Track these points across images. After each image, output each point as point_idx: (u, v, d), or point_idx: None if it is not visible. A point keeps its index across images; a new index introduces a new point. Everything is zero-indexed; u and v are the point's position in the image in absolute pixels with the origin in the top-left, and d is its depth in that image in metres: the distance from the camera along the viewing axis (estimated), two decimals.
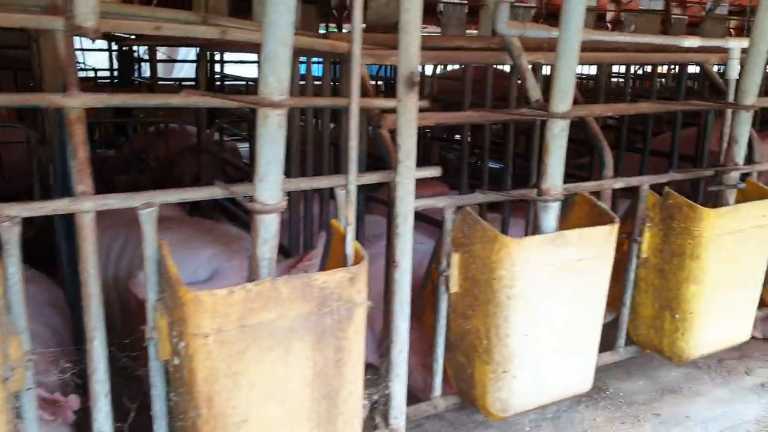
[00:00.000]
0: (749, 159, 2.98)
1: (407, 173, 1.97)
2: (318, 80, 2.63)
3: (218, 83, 7.33)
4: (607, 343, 2.81)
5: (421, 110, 2.25)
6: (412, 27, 1.85)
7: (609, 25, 5.52)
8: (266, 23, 1.58)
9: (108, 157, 6.01)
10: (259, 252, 1.77)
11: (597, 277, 2.25)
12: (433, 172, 2.11)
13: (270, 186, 1.71)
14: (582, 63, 2.87)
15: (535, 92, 2.38)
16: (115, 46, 7.74)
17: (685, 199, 2.51)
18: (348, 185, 1.81)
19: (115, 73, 7.99)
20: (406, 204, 2.00)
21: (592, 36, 2.23)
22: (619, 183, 2.54)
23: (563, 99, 2.04)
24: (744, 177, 2.79)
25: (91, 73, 8.34)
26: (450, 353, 2.36)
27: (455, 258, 2.19)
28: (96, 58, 8.48)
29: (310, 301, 1.75)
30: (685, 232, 2.52)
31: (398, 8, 5.08)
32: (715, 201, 2.67)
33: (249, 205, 1.74)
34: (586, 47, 2.81)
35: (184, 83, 8.91)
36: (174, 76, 10.15)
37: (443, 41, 2.56)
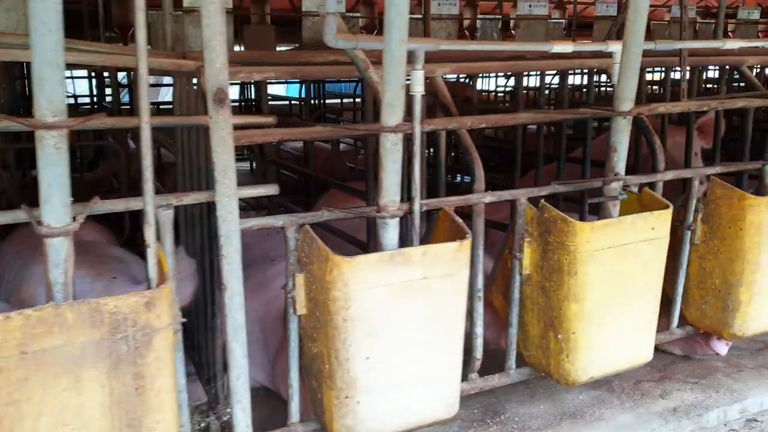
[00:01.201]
0: (653, 168, 2.86)
1: (226, 192, 1.90)
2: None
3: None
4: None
5: (266, 126, 2.20)
6: (215, 43, 1.79)
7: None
8: (31, 45, 1.54)
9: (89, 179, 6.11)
10: (51, 276, 1.71)
11: (448, 297, 2.14)
12: (264, 190, 2.04)
13: (55, 209, 1.66)
14: (460, 72, 2.78)
15: None
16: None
17: (560, 213, 2.40)
18: (145, 206, 1.75)
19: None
20: (229, 224, 1.92)
21: (423, 46, 2.14)
22: (489, 197, 2.44)
23: (392, 112, 1.96)
24: (644, 186, 2.68)
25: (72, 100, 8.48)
26: (306, 377, 2.26)
27: (300, 279, 2.10)
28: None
29: (100, 327, 1.68)
30: (561, 248, 2.40)
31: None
32: (599, 214, 2.55)
33: (37, 229, 1.69)
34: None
35: (162, 107, 9.00)
36: (160, 99, 10.25)
37: (300, 57, 2.50)
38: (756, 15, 6.26)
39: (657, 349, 3.32)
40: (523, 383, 2.92)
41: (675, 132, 3.99)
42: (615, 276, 2.45)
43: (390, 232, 2.06)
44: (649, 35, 5.29)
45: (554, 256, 2.43)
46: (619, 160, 2.42)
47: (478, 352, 2.59)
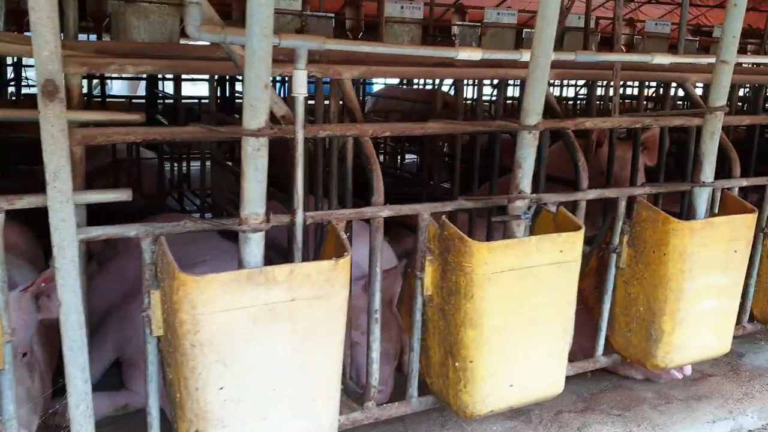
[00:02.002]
0: (576, 186, 2.68)
1: (58, 197, 1.69)
2: None
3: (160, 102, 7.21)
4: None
5: (131, 124, 1.99)
6: (43, 28, 1.58)
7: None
8: None
9: None
10: None
11: (320, 322, 1.93)
12: (114, 195, 1.83)
13: None
14: (370, 76, 2.58)
15: (279, 108, 2.10)
16: None
17: (458, 231, 2.20)
18: None
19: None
20: (62, 233, 1.71)
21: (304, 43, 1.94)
22: (387, 211, 2.24)
23: (254, 114, 1.75)
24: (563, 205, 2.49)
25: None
26: (169, 405, 2.05)
27: (155, 296, 1.89)
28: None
29: None
30: (458, 268, 2.20)
31: (287, 23, 4.80)
32: (504, 233, 2.36)
33: None
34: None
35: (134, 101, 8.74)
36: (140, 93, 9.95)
37: (194, 50, 2.28)
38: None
39: (611, 372, 3.19)
40: (437, 410, 2.72)
41: (620, 147, 3.82)
42: (517, 301, 2.26)
43: (252, 248, 1.85)
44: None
45: (452, 277, 2.23)
46: (524, 177, 2.23)
47: (375, 379, 2.38)
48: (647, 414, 2.89)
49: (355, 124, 2.28)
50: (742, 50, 4.31)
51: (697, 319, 2.70)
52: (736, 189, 3.05)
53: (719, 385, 3.17)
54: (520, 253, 2.23)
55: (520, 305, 2.27)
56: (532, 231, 2.53)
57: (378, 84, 10.72)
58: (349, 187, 2.47)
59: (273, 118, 2.04)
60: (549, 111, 2.80)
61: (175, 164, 6.11)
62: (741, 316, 3.32)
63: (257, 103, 1.75)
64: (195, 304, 1.76)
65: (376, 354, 2.36)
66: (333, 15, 5.19)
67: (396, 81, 10.08)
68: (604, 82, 3.71)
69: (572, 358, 2.96)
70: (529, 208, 2.34)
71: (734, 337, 3.54)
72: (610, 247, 2.75)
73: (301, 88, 1.97)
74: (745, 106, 5.39)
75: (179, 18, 3.56)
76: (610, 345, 2.91)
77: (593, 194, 2.64)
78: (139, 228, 1.89)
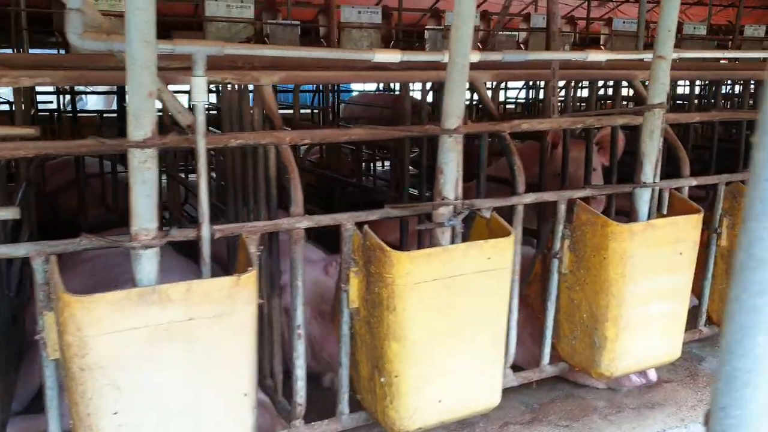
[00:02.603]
0: (513, 190, 2.59)
1: None
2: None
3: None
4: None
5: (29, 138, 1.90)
6: None
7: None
8: None
9: None
10: None
11: (222, 342, 1.84)
12: (2, 213, 1.74)
13: None
14: (290, 82, 2.50)
15: (183, 118, 2.01)
16: None
17: (378, 241, 2.11)
18: None
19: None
20: None
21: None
22: (306, 222, 2.15)
23: (138, 125, 1.66)
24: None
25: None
26: None
27: (49, 318, 1.80)
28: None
29: None
30: (380, 279, 2.11)
31: (239, 31, 4.71)
32: (430, 241, 2.27)
33: None
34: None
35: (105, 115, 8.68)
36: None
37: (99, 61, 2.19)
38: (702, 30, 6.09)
39: (565, 380, 3.09)
40: (370, 427, 2.62)
41: (576, 148, 3.73)
42: (444, 311, 2.16)
43: (144, 265, 1.75)
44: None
45: (375, 289, 2.14)
46: (446, 183, 2.14)
47: (300, 397, 2.29)
48: (596, 424, 2.80)
49: (271, 132, 2.19)
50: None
51: (643, 325, 2.61)
52: (686, 189, 2.97)
53: (674, 392, 3.07)
54: (444, 262, 2.14)
55: (446, 316, 2.18)
56: (468, 237, 2.45)
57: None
58: (273, 198, 2.38)
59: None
60: (487, 113, 2.72)
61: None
62: (697, 319, 3.23)
63: (141, 114, 1.66)
64: (81, 325, 1.66)
65: (301, 371, 2.26)
66: (299, 23, 5.12)
67: (373, 87, 10.05)
68: (573, 83, 3.64)
69: (527, 366, 2.88)
70: (457, 214, 2.25)
71: (692, 342, 3.47)
72: (552, 252, 2.66)
73: (200, 96, 1.88)
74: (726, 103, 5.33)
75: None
76: (557, 353, 2.82)
77: (530, 198, 2.55)
78: (30, 247, 1.79)
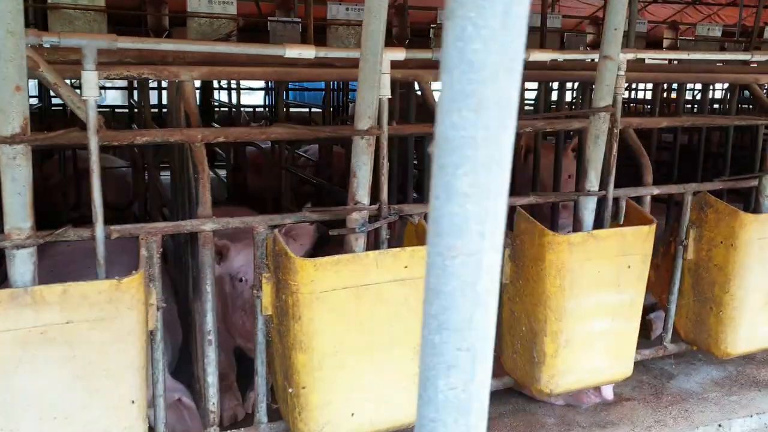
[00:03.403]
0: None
1: None
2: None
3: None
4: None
5: None
6: None
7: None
8: None
9: None
10: None
11: (105, 346, 1.77)
12: None
13: None
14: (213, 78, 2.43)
15: (82, 113, 1.95)
16: None
17: (284, 246, 2.02)
18: None
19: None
20: None
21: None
22: (210, 225, 2.07)
23: (6, 120, 1.61)
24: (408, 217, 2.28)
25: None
26: None
27: None
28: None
29: None
30: (286, 287, 2.02)
31: (220, 27, 4.65)
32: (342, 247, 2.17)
33: None
34: None
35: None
36: None
37: None
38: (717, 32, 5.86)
39: (520, 393, 2.95)
40: None
41: (548, 152, 3.59)
42: (355, 322, 2.06)
43: (18, 266, 1.70)
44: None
45: (283, 296, 2.06)
46: (360, 187, 2.04)
47: (212, 404, 2.21)
48: None
49: (180, 129, 2.12)
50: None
51: (587, 341, 2.47)
52: (648, 198, 2.81)
53: (632, 411, 2.91)
54: (355, 270, 2.03)
55: (358, 327, 2.07)
56: (401, 244, 2.35)
57: None
58: (194, 197, 2.31)
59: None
60: (431, 115, 2.60)
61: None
62: (663, 335, 3.06)
63: (8, 108, 1.60)
64: None
65: (212, 378, 2.19)
66: (300, 20, 5.07)
67: None
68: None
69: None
70: (374, 219, 2.15)
71: (665, 357, 3.30)
72: None
73: (91, 91, 1.82)
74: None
75: (105, 23, 3.48)
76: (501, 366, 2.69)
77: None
78: None
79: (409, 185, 2.75)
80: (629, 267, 2.45)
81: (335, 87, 9.15)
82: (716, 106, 6.41)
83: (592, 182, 2.40)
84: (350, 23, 5.16)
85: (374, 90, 1.98)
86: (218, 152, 7.64)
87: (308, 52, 2.07)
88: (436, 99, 2.67)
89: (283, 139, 2.22)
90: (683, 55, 2.97)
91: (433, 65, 2.70)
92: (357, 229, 2.05)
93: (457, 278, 0.60)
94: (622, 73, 2.55)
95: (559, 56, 2.45)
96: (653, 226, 2.48)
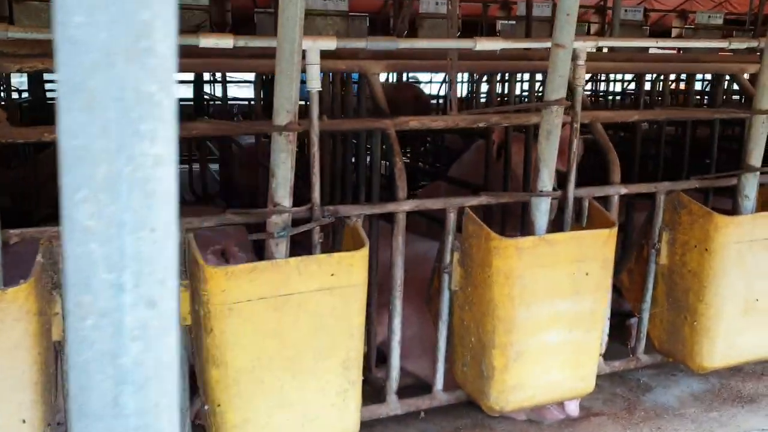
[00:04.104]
0: (393, 196, 2.30)
1: None
2: None
3: None
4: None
5: None
6: None
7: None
8: None
9: None
10: None
11: None
12: None
13: None
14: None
15: None
16: None
17: (195, 253, 1.87)
18: None
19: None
20: None
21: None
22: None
23: None
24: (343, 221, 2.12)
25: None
26: None
27: None
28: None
29: None
30: (199, 297, 1.87)
31: (191, 18, 4.52)
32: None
33: None
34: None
35: None
36: None
37: None
38: (719, 20, 5.62)
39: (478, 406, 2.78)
40: None
41: (521, 148, 3.39)
42: (275, 335, 1.90)
43: None
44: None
45: (196, 307, 1.90)
46: (279, 187, 1.87)
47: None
48: None
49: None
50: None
51: (541, 354, 2.28)
52: (616, 198, 2.61)
53: (599, 428, 2.72)
54: (273, 278, 1.87)
55: (279, 340, 1.91)
56: (339, 249, 2.18)
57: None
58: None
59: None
60: (378, 109, 2.44)
61: None
62: (636, 345, 2.86)
63: None
64: None
65: None
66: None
67: None
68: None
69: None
70: (295, 224, 1.99)
71: (637, 369, 3.09)
72: (441, 266, 2.36)
73: None
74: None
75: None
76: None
77: (408, 206, 2.26)
78: None
79: (361, 185, 2.58)
80: (587, 274, 2.26)
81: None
82: (726, 97, 6.16)
83: (545, 182, 2.22)
84: (327, 13, 5.00)
85: (293, 82, 1.81)
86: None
87: (225, 41, 1.91)
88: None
89: (206, 134, 2.07)
90: (650, 43, 2.76)
91: (384, 55, 2.54)
92: (276, 234, 1.89)
93: (91, 346, 0.44)
94: (581, 63, 2.37)
95: (509, 45, 2.26)
96: (614, 230, 2.29)
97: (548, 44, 2.13)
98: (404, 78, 10.18)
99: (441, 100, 8.26)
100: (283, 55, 1.79)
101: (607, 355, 2.82)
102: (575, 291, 2.27)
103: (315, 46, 2.01)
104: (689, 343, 2.65)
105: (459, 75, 2.93)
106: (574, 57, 2.37)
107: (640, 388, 3.07)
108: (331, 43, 2.03)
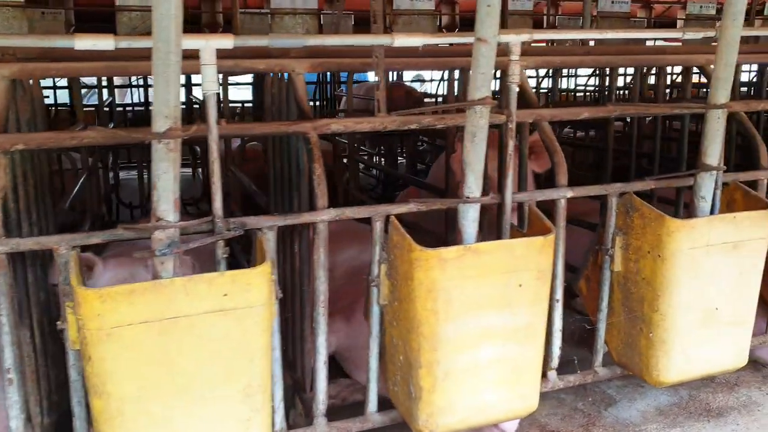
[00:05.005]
0: (311, 205, 2.14)
1: None
2: None
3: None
4: None
5: None
6: None
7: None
8: None
9: None
10: None
11: None
12: None
13: None
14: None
15: None
16: None
17: (77, 271, 1.71)
18: None
19: None
20: None
21: None
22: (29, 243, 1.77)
23: None
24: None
25: None
26: None
27: None
28: None
29: None
30: (77, 320, 1.72)
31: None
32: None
33: None
34: None
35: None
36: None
37: None
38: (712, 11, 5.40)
39: None
40: None
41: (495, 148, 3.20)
42: (163, 362, 1.74)
43: None
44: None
45: (79, 332, 1.75)
46: (161, 201, 1.70)
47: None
48: None
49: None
50: None
51: (473, 373, 2.10)
52: (562, 202, 2.42)
53: None
54: (156, 300, 1.71)
55: (167, 367, 1.75)
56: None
57: None
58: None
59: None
60: (301, 111, 2.27)
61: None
62: (594, 358, 2.67)
63: None
64: None
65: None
66: (268, 11, 4.81)
67: None
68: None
69: None
70: (198, 236, 1.82)
71: (592, 384, 2.90)
72: (369, 278, 2.19)
73: None
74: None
75: (26, 20, 3.26)
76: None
77: (327, 215, 2.08)
78: None
79: (293, 192, 2.41)
80: (521, 285, 2.08)
81: (325, 79, 8.88)
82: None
83: (471, 188, 2.03)
84: (296, 12, 4.85)
85: (170, 85, 1.64)
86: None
87: (105, 43, 1.75)
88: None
89: (97, 143, 1.91)
90: (591, 35, 2.56)
91: (309, 53, 2.37)
92: (158, 252, 1.72)
93: None
94: (515, 58, 2.18)
95: (429, 41, 2.08)
96: (549, 237, 2.10)
97: (472, 39, 1.95)
98: (403, 78, 10.06)
99: (439, 100, 8.13)
100: (159, 56, 1.62)
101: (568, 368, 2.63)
102: (508, 304, 2.09)
103: (209, 45, 1.84)
104: (645, 356, 2.45)
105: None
106: (508, 52, 2.19)
107: (603, 401, 2.89)
108: (227, 42, 1.86)
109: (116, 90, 9.15)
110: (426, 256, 1.96)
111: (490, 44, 1.93)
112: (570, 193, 2.40)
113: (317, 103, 8.82)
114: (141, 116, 7.66)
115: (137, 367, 1.72)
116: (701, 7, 5.56)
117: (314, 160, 2.11)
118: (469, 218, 2.07)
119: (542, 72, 7.28)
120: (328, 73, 8.66)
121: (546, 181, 2.83)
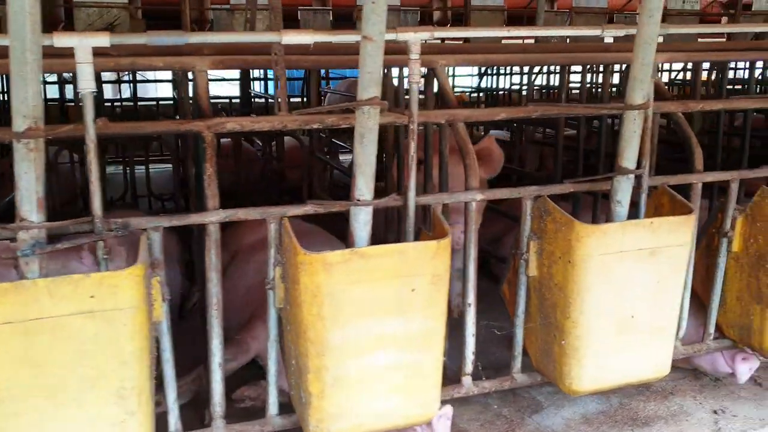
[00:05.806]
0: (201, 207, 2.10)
1: None
2: None
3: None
4: None
5: None
6: None
7: None
8: None
9: None
10: None
11: None
12: None
13: None
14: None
15: None
16: None
17: None
18: None
19: None
20: None
21: None
22: None
23: None
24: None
25: None
26: None
27: None
28: None
29: None
30: None
31: (114, 17, 4.36)
32: None
33: None
34: None
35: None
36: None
37: None
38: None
39: None
40: None
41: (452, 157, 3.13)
42: (28, 363, 1.71)
43: None
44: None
45: None
46: (25, 201, 1.68)
47: None
48: None
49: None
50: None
51: (365, 379, 2.06)
52: (473, 205, 2.37)
53: None
54: (19, 301, 1.69)
55: (33, 369, 1.72)
56: None
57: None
58: None
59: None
60: (198, 109, 2.23)
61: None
62: (512, 363, 2.62)
63: None
64: None
65: None
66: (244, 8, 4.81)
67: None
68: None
69: None
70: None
71: (522, 389, 2.85)
72: (266, 281, 2.16)
73: None
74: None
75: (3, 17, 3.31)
76: None
77: (216, 217, 2.05)
78: None
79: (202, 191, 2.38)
80: (413, 290, 2.03)
81: (318, 76, 8.84)
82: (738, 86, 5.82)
83: (362, 190, 1.99)
84: (255, 8, 4.83)
85: (28, 84, 1.62)
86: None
87: (71, 41, 1.74)
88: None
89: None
90: (499, 32, 2.50)
91: (213, 50, 2.33)
92: (20, 253, 1.70)
93: None
94: (415, 56, 2.13)
95: (318, 38, 2.04)
96: (443, 241, 2.05)
97: (355, 37, 1.91)
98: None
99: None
100: (14, 54, 1.60)
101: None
102: (401, 309, 2.05)
103: (84, 43, 1.81)
104: (559, 364, 2.40)
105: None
106: (407, 51, 2.14)
107: (530, 407, 2.83)
108: (104, 40, 1.83)
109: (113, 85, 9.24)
110: (310, 260, 1.93)
111: (376, 42, 1.88)
112: (480, 196, 2.35)
113: (304, 99, 8.81)
114: (131, 111, 7.70)
115: (2, 369, 1.70)
116: (684, 1, 5.44)
117: (206, 159, 2.08)
118: (360, 221, 2.03)
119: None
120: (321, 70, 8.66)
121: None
